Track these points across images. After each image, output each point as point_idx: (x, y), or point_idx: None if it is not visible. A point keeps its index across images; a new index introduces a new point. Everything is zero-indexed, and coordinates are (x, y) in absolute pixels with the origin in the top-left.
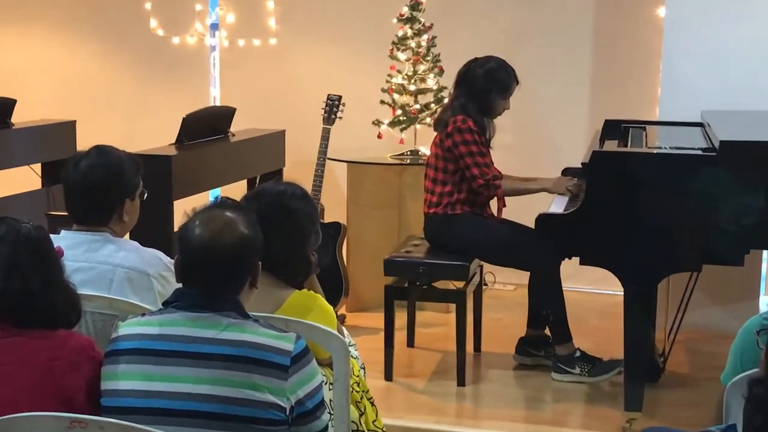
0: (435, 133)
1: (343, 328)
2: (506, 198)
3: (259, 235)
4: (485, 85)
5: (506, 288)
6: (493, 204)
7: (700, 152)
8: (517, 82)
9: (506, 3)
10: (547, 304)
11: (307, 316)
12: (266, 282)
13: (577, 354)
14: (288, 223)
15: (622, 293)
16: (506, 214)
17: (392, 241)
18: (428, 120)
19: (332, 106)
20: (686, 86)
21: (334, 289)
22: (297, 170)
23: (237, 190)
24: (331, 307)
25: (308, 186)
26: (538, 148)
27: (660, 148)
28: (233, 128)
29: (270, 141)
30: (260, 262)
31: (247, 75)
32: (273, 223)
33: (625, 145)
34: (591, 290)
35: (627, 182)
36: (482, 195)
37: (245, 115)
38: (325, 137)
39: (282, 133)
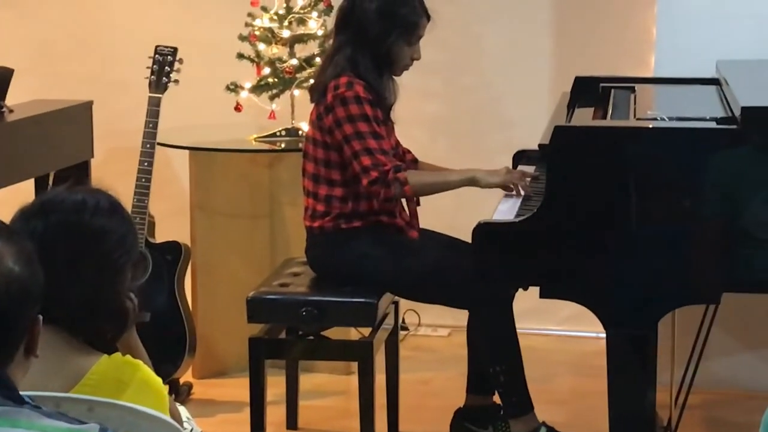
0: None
1: (182, 408)
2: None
3: (36, 273)
4: (380, 26)
5: (437, 333)
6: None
7: (714, 124)
8: (428, 18)
9: None
10: (494, 358)
11: (122, 394)
12: (55, 345)
13: (542, 431)
14: (89, 253)
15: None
16: (431, 223)
17: (261, 269)
18: (312, 82)
19: (163, 64)
20: (695, 24)
21: (173, 344)
22: (113, 162)
23: (18, 197)
24: (159, 380)
25: (130, 187)
26: (480, 122)
27: (656, 118)
28: (10, 100)
29: (69, 119)
30: (41, 316)
31: (30, 15)
32: (64, 255)
33: (605, 115)
34: (562, 332)
35: (607, 172)
36: (379, 197)
37: (29, 78)
38: (154, 111)
39: (87, 105)
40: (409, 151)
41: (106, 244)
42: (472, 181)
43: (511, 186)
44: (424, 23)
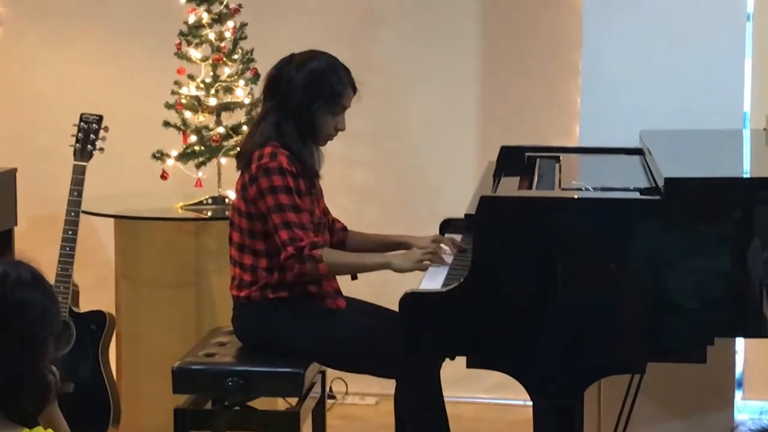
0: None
1: None
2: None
3: None
4: (304, 95)
5: (364, 402)
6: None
7: (638, 195)
8: (355, 90)
9: None
10: (422, 427)
11: None
12: None
13: None
14: (10, 326)
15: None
16: (359, 291)
17: (187, 338)
18: (239, 149)
19: (88, 132)
20: (619, 94)
21: (97, 415)
22: (37, 230)
23: None
24: None
25: (54, 255)
26: (407, 190)
27: (581, 189)
28: None
29: None
30: None
31: None
32: None
33: (530, 185)
34: (489, 400)
35: (532, 242)
36: (293, 272)
37: None
38: (79, 179)
39: (11, 173)
40: (338, 221)
41: (27, 317)
42: (386, 266)
43: (426, 263)
44: (350, 94)
